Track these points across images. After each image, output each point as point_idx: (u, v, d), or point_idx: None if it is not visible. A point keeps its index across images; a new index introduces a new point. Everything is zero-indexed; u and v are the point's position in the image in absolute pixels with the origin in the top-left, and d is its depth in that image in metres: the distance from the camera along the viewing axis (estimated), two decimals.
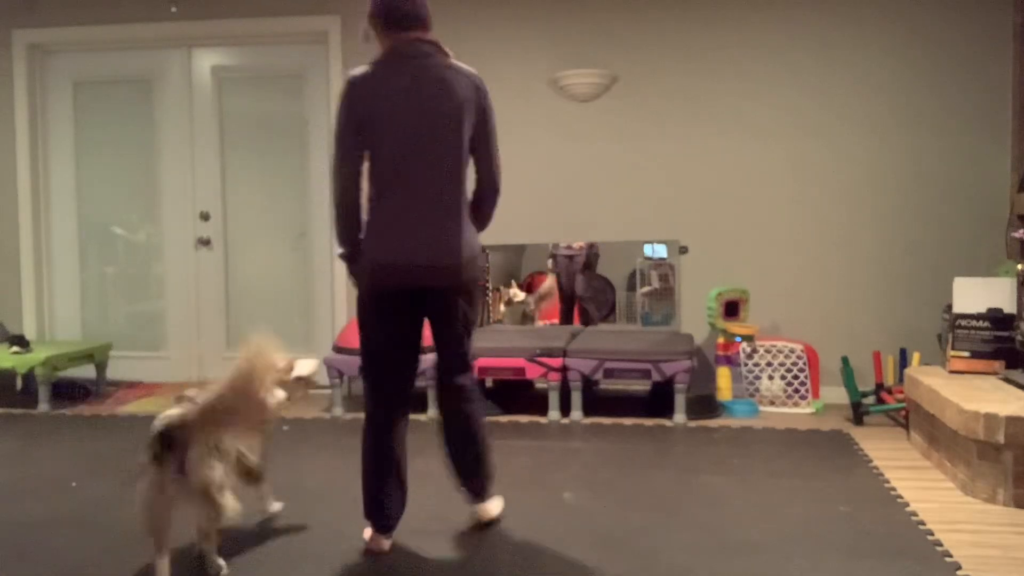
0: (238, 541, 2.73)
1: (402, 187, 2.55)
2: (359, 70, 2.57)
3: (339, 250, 2.69)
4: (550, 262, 5.27)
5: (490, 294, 5.16)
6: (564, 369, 4.48)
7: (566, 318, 5.31)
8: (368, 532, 2.69)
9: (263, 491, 2.90)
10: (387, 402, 2.67)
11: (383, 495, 2.63)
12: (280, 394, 2.88)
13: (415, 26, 2.61)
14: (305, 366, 2.99)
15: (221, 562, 2.54)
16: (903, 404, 4.24)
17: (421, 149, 2.54)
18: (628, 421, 4.42)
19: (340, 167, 2.58)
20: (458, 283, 2.63)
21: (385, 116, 2.53)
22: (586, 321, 5.25)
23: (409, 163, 2.55)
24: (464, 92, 2.61)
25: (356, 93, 2.54)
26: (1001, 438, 3.06)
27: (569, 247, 5.22)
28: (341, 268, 5.38)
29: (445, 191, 2.58)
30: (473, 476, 2.81)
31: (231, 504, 2.40)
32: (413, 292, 2.61)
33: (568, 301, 5.29)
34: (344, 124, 2.55)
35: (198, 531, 2.54)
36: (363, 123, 2.53)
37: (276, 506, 3.01)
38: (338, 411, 4.62)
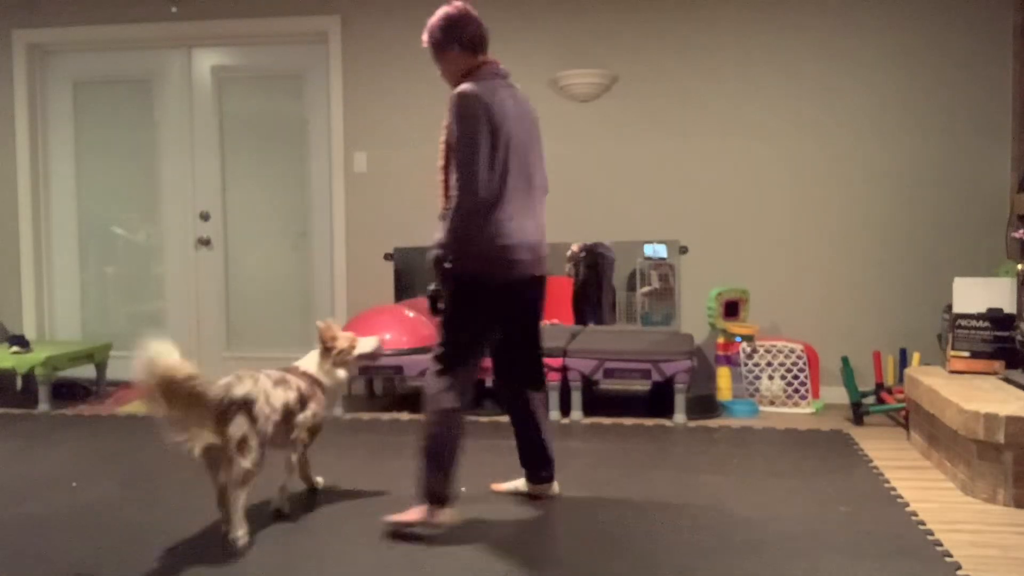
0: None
1: (517, 189, 2.86)
2: (473, 87, 2.83)
3: (446, 243, 2.82)
4: (568, 266, 5.19)
5: None
6: (564, 369, 4.48)
7: (589, 318, 5.25)
8: (446, 513, 2.82)
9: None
10: (467, 392, 2.89)
11: (456, 474, 2.85)
12: (341, 373, 3.09)
13: (486, 49, 2.99)
14: (367, 343, 3.16)
15: (242, 533, 2.67)
16: (903, 404, 4.24)
17: (526, 156, 2.91)
18: (628, 421, 4.42)
19: (483, 170, 2.78)
20: (545, 274, 3.03)
21: (506, 127, 2.82)
22: (584, 321, 5.23)
23: (521, 169, 2.88)
24: (534, 110, 3.05)
25: (483, 104, 2.79)
26: (1001, 438, 3.05)
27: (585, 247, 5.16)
28: (341, 268, 5.44)
29: (539, 193, 2.99)
30: (550, 461, 3.11)
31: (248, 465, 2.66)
32: (525, 282, 2.92)
33: (589, 301, 5.21)
34: (480, 132, 2.78)
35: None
36: (491, 132, 2.80)
37: (319, 480, 3.20)
38: (338, 411, 4.62)
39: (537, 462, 3.11)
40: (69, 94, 5.77)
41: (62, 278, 5.84)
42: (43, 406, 4.81)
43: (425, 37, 2.98)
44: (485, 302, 2.88)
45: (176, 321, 5.75)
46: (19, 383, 5.29)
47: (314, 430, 3.04)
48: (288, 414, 2.89)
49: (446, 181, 2.88)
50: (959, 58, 4.85)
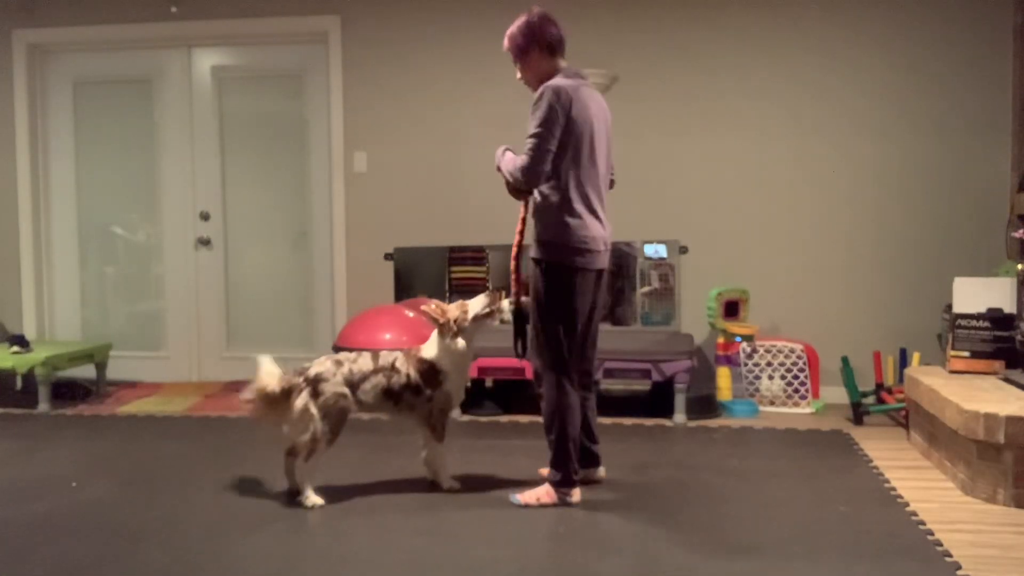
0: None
1: (592, 181, 3.06)
2: (565, 83, 3.03)
3: (508, 175, 3.07)
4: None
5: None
6: None
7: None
8: (576, 493, 3.08)
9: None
10: (574, 381, 3.11)
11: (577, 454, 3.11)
12: (460, 344, 3.20)
13: (564, 52, 3.18)
14: (476, 304, 3.25)
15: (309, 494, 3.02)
16: (903, 404, 4.24)
17: (598, 151, 3.08)
18: (628, 421, 4.42)
19: (547, 158, 2.97)
20: (607, 268, 3.21)
21: (589, 125, 3.03)
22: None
23: (596, 162, 3.07)
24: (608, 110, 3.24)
25: (568, 99, 2.98)
26: (1001, 438, 3.05)
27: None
28: (341, 268, 5.43)
29: (605, 187, 3.17)
30: (596, 442, 3.34)
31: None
32: (599, 273, 3.13)
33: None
34: (558, 122, 2.96)
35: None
36: (570, 125, 2.98)
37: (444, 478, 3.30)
38: None
39: (584, 449, 3.25)
40: (69, 94, 5.77)
41: (62, 278, 5.84)
42: (43, 406, 4.81)
43: (506, 43, 3.14)
44: (579, 288, 3.04)
45: (176, 321, 5.75)
46: (19, 383, 5.28)
47: (431, 413, 3.19)
48: (393, 395, 3.13)
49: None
50: (959, 58, 4.84)
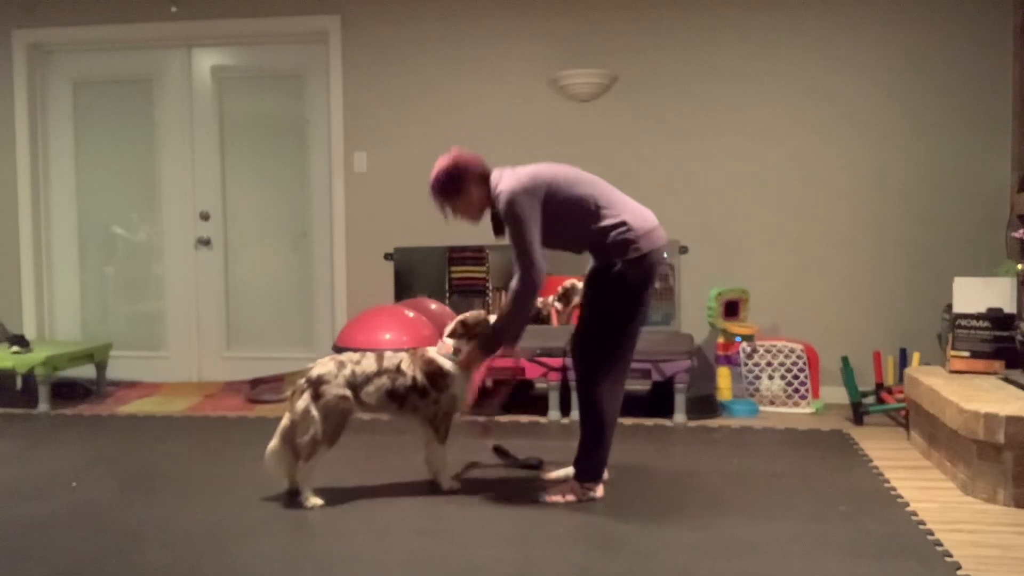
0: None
1: (604, 187, 3.15)
2: (508, 182, 3.04)
3: (515, 323, 3.14)
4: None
5: (491, 294, 5.16)
6: (564, 369, 4.47)
7: None
8: (600, 488, 3.13)
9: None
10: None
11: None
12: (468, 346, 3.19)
13: None
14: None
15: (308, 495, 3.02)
16: (903, 404, 4.24)
17: (579, 170, 3.20)
18: (628, 421, 4.42)
19: (533, 249, 3.03)
20: None
21: (552, 172, 3.10)
22: None
23: (586, 177, 3.16)
24: None
25: (528, 189, 3.01)
26: (1001, 438, 3.05)
27: None
28: (341, 268, 5.44)
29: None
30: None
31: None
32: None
33: None
34: (534, 217, 3.02)
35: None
36: (549, 194, 3.05)
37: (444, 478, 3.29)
38: None
39: None
40: (69, 94, 5.77)
41: (62, 278, 5.84)
42: (43, 406, 4.81)
43: (433, 192, 3.12)
44: (640, 294, 3.09)
45: (176, 321, 5.75)
46: (19, 383, 5.29)
47: (436, 415, 3.18)
48: (398, 398, 3.12)
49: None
50: (959, 58, 4.84)
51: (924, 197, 4.91)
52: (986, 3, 4.80)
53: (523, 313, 3.08)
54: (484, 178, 3.11)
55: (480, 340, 3.14)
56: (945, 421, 3.37)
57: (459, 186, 3.09)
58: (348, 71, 5.40)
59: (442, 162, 3.10)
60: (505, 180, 3.04)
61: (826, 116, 4.99)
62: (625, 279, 3.03)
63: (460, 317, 3.25)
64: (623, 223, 3.03)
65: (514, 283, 3.04)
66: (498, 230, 3.14)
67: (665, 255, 3.16)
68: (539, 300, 5.00)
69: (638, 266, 3.03)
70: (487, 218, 3.17)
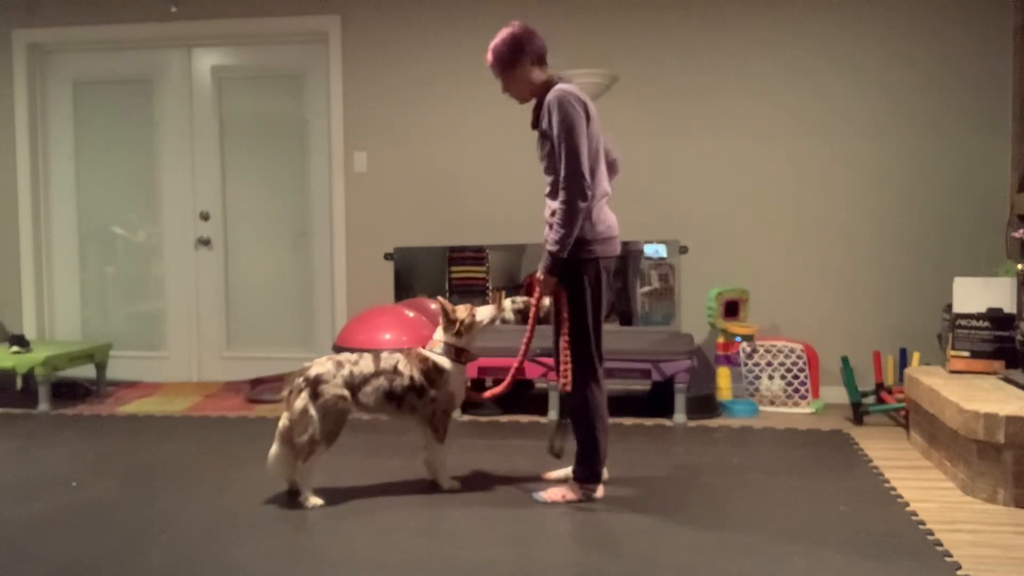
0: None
1: (604, 178, 3.12)
2: (569, 87, 3.03)
3: (570, 238, 2.97)
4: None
5: (491, 294, 5.16)
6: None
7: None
8: (600, 489, 3.12)
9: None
10: (601, 372, 3.12)
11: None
12: (462, 342, 3.24)
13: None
14: (484, 312, 3.31)
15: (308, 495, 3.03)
16: (903, 404, 4.24)
17: (602, 149, 3.12)
18: (628, 421, 4.42)
19: (586, 167, 2.95)
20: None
21: (596, 121, 3.06)
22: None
23: (600, 163, 3.10)
24: None
25: (582, 103, 2.99)
26: (1001, 438, 3.05)
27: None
28: (341, 268, 5.43)
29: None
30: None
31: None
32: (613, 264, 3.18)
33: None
34: (583, 131, 2.96)
35: None
36: (591, 129, 3.01)
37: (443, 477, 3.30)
38: None
39: None
40: (69, 94, 5.77)
41: (62, 278, 5.84)
42: (43, 406, 4.81)
43: (490, 57, 3.14)
44: (601, 283, 3.07)
45: (176, 321, 5.75)
46: (19, 383, 5.29)
47: (434, 413, 3.19)
48: (396, 398, 3.13)
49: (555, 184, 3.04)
50: (959, 58, 4.84)
51: (924, 197, 4.91)
52: (986, 3, 4.80)
53: (575, 229, 2.97)
54: (542, 59, 3.10)
55: (545, 265, 3.03)
56: (945, 421, 3.37)
57: (516, 58, 3.09)
58: (348, 71, 5.40)
59: (505, 31, 3.12)
60: (564, 83, 3.02)
61: (826, 116, 4.99)
62: (581, 276, 3.04)
63: (447, 309, 3.24)
64: (589, 219, 3.01)
65: (562, 197, 2.94)
66: (536, 124, 3.09)
67: (611, 266, 3.16)
68: (521, 301, 5.00)
69: (588, 265, 3.03)
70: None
